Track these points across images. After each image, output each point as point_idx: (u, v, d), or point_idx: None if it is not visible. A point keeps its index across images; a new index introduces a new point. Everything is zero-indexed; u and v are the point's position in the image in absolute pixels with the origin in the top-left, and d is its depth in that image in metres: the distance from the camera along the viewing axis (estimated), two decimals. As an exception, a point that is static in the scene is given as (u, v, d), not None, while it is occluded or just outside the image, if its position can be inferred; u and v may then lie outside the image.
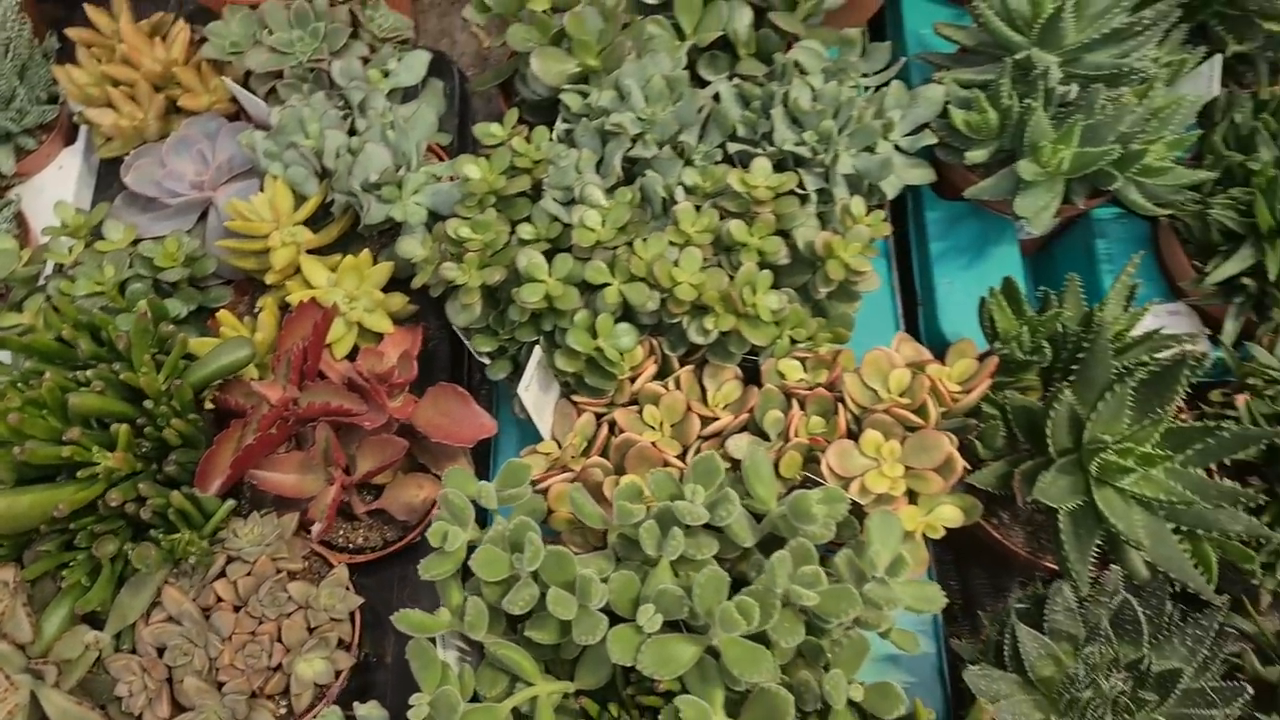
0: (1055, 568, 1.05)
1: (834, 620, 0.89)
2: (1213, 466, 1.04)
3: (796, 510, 0.92)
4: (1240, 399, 1.03)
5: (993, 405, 1.01)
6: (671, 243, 1.07)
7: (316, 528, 1.04)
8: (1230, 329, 1.14)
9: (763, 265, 1.09)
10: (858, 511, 0.97)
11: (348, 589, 1.05)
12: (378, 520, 1.16)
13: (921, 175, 1.22)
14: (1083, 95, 1.13)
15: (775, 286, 1.11)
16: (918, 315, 1.30)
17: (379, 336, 1.17)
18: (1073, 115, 1.11)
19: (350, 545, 1.15)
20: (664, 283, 1.04)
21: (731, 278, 1.06)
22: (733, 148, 1.17)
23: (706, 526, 0.97)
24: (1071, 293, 1.06)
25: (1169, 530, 0.96)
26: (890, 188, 1.16)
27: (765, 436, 1.05)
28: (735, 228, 1.08)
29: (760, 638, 0.90)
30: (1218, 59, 1.18)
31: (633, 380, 1.09)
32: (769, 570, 0.89)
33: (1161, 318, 1.23)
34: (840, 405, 1.03)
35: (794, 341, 1.10)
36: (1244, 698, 0.88)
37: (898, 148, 1.20)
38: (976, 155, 1.16)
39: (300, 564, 1.06)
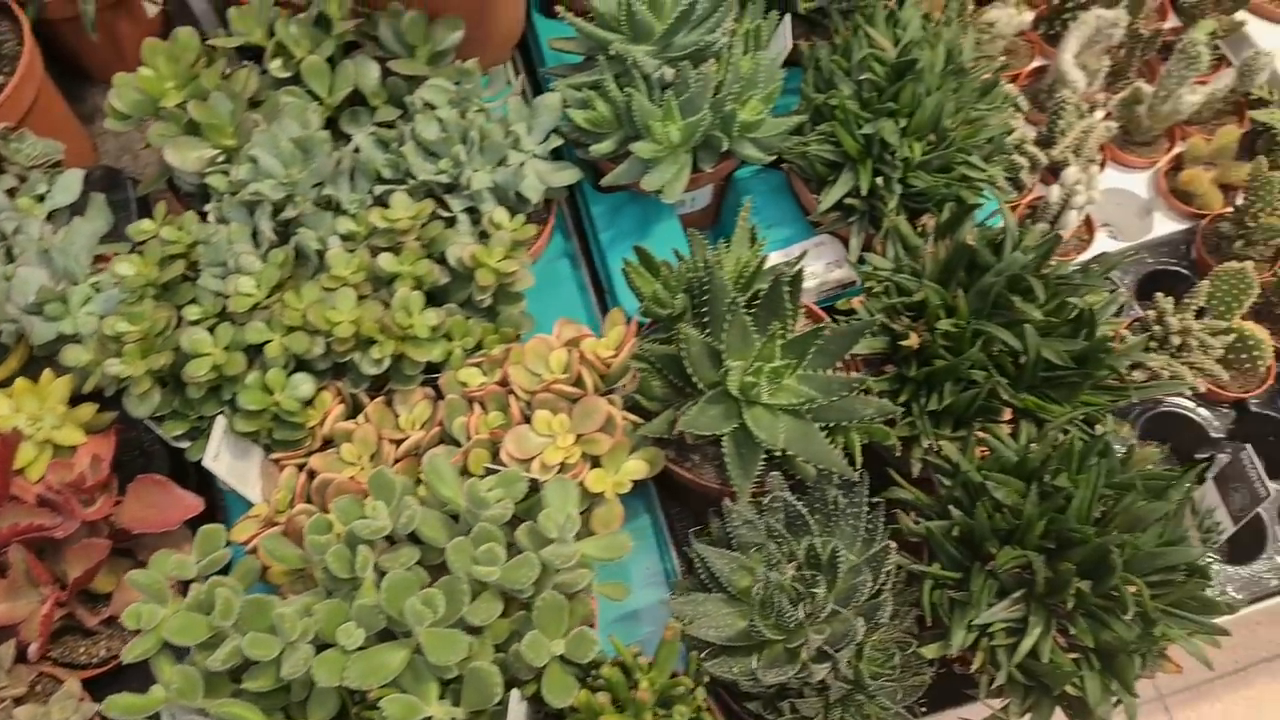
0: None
1: (522, 589, 0.96)
2: (846, 365, 1.17)
3: (472, 499, 0.99)
4: (857, 301, 1.17)
5: (641, 359, 1.11)
6: (327, 288, 1.14)
7: (32, 648, 1.04)
8: (854, 245, 1.29)
9: (425, 289, 1.17)
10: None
11: (81, 700, 1.05)
12: (119, 629, 1.16)
13: (568, 176, 1.33)
14: (677, 75, 1.26)
15: (443, 303, 1.18)
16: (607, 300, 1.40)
17: (73, 449, 1.18)
18: (670, 94, 1.24)
19: (94, 659, 1.15)
20: (322, 326, 1.10)
21: (388, 306, 1.13)
22: (381, 190, 1.24)
23: (411, 538, 1.03)
24: (697, 246, 1.17)
25: (817, 429, 1.08)
26: (532, 192, 1.26)
27: (458, 443, 1.12)
28: (385, 260, 1.15)
29: (465, 624, 0.96)
30: (787, 17, 1.34)
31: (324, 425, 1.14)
32: (448, 557, 0.95)
33: (811, 250, 1.37)
34: (511, 396, 1.10)
35: (470, 351, 1.17)
36: (889, 553, 0.99)
37: (538, 156, 1.30)
38: (602, 147, 1.27)
39: (24, 688, 1.05)
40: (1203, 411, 1.36)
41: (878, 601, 1.00)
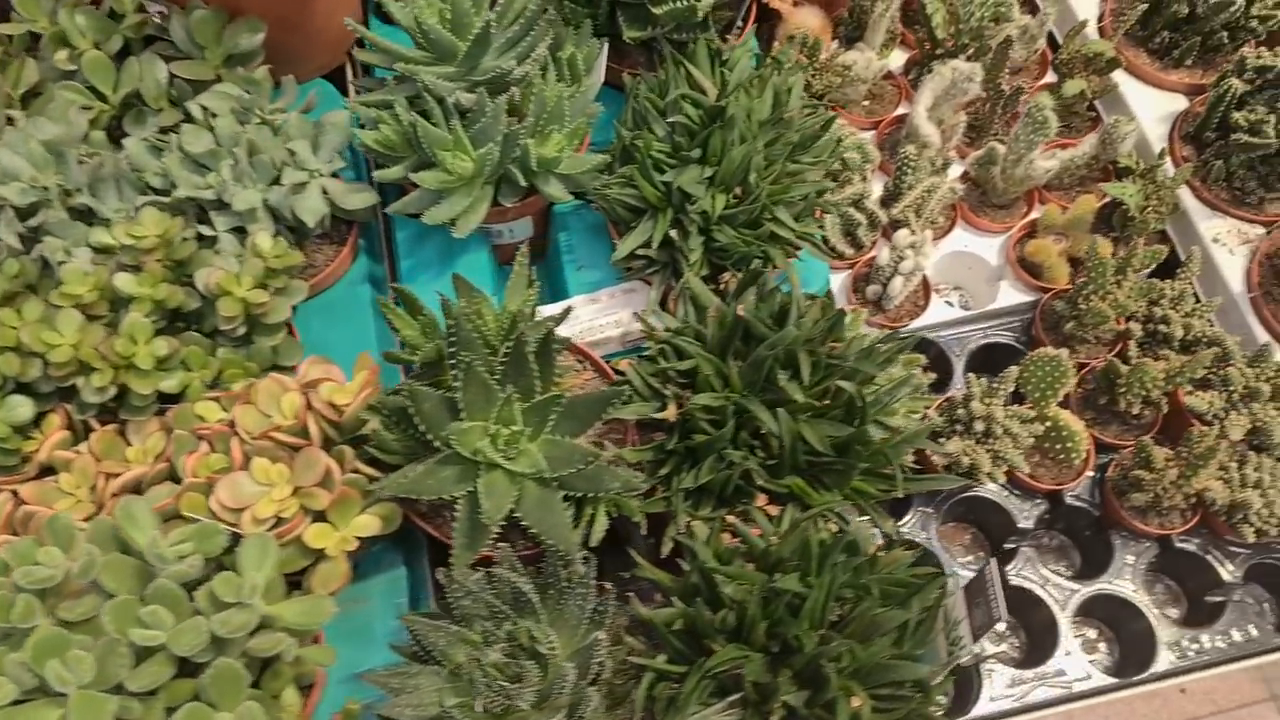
0: (491, 554, 1.08)
1: (192, 654, 0.89)
2: (625, 430, 1.10)
3: (153, 553, 0.92)
4: (626, 364, 1.09)
5: (373, 410, 1.03)
6: (55, 305, 1.06)
7: None
8: (652, 297, 1.21)
9: (172, 314, 1.09)
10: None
11: None
12: None
13: (363, 199, 1.25)
14: (476, 103, 1.18)
15: (198, 330, 1.11)
16: (407, 332, 1.33)
17: None
18: (461, 123, 1.17)
19: None
20: (37, 348, 1.02)
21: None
22: (144, 201, 1.16)
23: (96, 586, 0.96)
24: (462, 289, 1.09)
25: (559, 500, 1.01)
26: (310, 215, 1.19)
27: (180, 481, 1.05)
28: (122, 280, 1.07)
29: (125, 689, 0.89)
30: (604, 47, 1.26)
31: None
32: (103, 617, 0.88)
33: (621, 296, 1.30)
34: (235, 438, 1.03)
35: (210, 384, 1.10)
36: (600, 645, 0.93)
37: (326, 175, 1.22)
38: (390, 173, 1.19)
39: None
40: (1014, 500, 1.30)
41: (581, 695, 0.93)
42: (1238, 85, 1.34)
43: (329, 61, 1.48)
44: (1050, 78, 1.57)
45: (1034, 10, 1.66)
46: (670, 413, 1.05)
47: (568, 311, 1.10)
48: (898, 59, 1.61)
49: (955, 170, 1.50)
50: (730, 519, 1.02)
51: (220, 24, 1.24)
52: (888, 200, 1.46)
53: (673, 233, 1.17)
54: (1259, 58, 1.34)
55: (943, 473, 1.26)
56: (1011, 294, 1.44)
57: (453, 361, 1.03)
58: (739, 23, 1.46)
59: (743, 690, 0.94)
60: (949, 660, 0.98)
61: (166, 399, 1.09)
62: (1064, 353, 1.21)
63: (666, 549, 1.06)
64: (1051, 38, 1.63)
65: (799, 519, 1.01)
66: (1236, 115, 1.33)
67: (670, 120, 1.21)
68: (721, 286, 1.22)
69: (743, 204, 1.18)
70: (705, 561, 0.99)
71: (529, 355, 0.99)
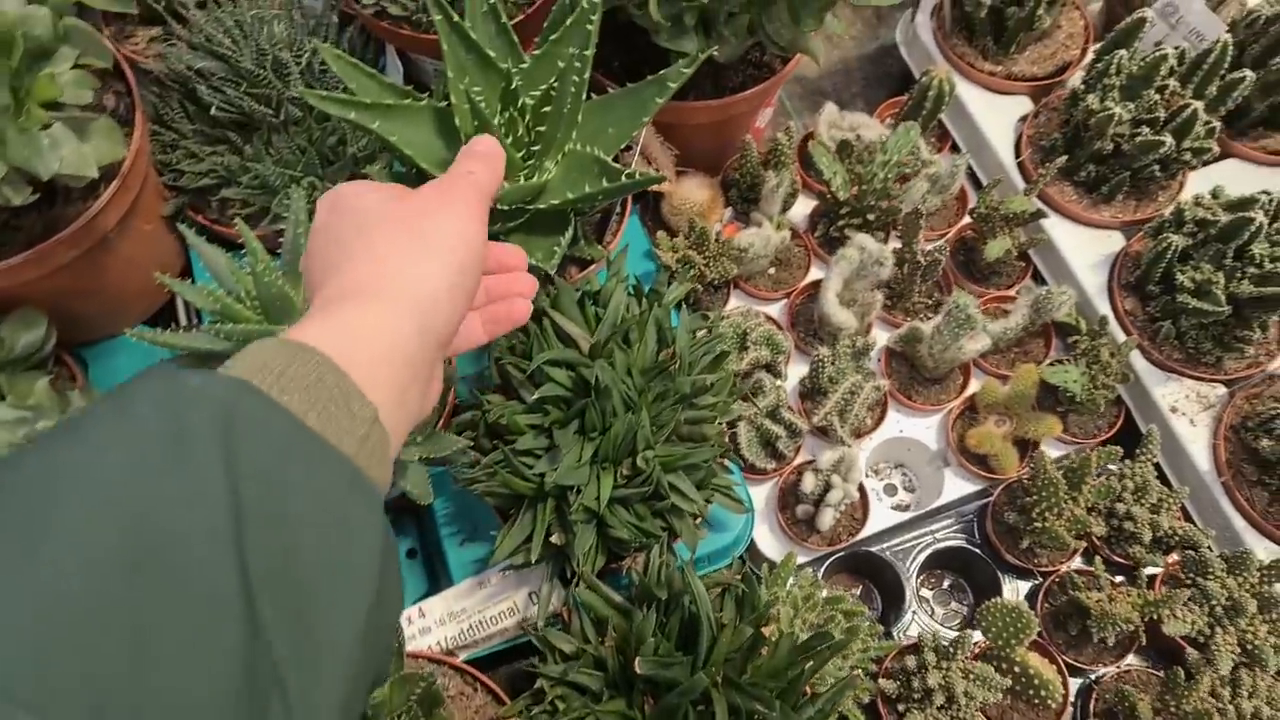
0: None
1: None
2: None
3: None
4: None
5: None
6: None
7: None
8: (543, 596, 1.03)
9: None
10: None
11: None
12: None
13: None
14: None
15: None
16: None
17: None
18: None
19: None
20: None
21: None
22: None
23: None
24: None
25: None
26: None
27: None
28: None
29: None
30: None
31: None
32: None
33: (511, 576, 1.11)
34: None
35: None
36: None
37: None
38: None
39: None
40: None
41: None
42: (1177, 241, 1.18)
43: (151, 306, 1.28)
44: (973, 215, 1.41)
45: (943, 133, 1.50)
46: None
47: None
48: (804, 206, 1.44)
49: (881, 336, 1.33)
50: None
51: (-14, 328, 1.04)
52: (806, 395, 1.29)
53: (554, 537, 0.99)
54: (1198, 205, 1.19)
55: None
56: (959, 484, 1.27)
57: None
58: (615, 215, 1.28)
59: None
60: None
61: None
62: (1023, 604, 1.05)
63: None
64: (972, 171, 1.47)
65: None
66: (1180, 275, 1.18)
67: (539, 395, 1.02)
68: (624, 572, 1.05)
69: (632, 483, 1.00)
70: None
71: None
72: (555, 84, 1.02)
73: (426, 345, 0.53)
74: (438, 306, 0.54)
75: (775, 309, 1.37)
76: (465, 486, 1.04)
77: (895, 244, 1.36)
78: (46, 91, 1.00)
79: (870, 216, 1.34)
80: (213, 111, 1.20)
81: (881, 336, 1.35)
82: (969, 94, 1.45)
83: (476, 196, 0.61)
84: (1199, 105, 1.20)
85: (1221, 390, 1.25)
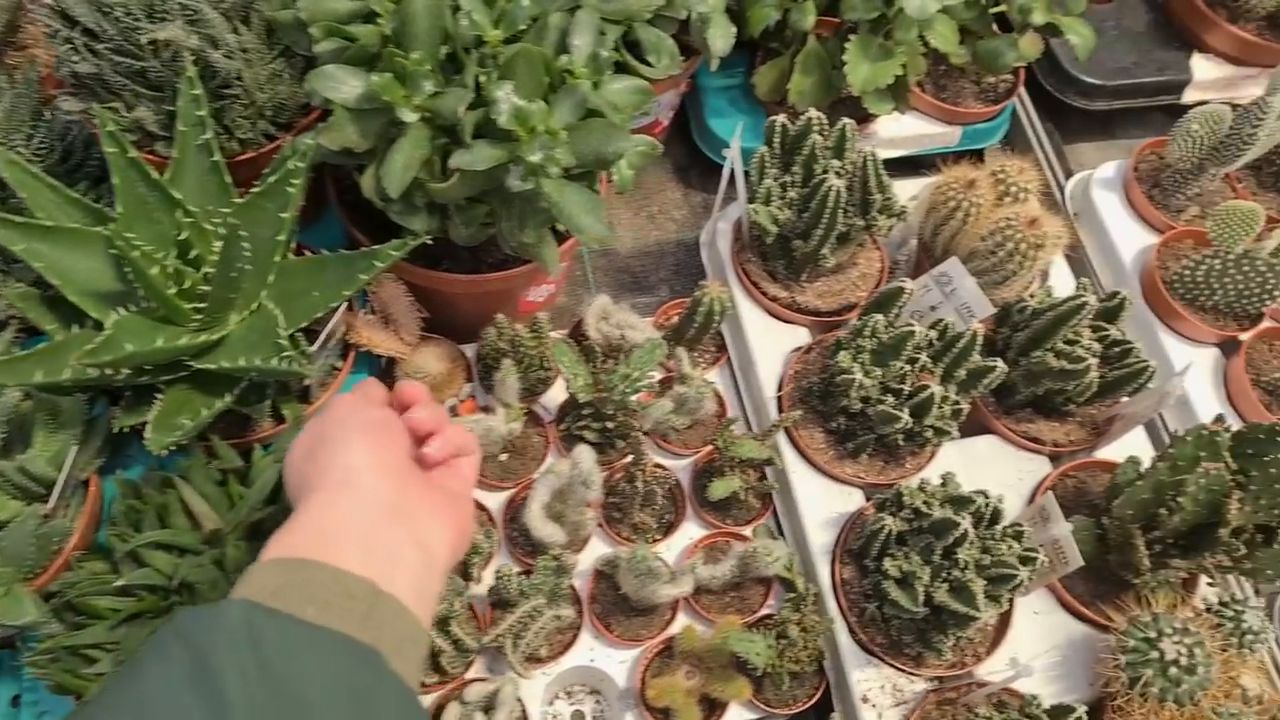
0: None
1: None
2: None
3: None
4: None
5: None
6: None
7: None
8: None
9: None
10: None
11: None
12: None
13: None
14: None
15: None
16: None
17: None
18: None
19: None
20: None
21: None
22: None
23: None
24: None
25: None
26: None
27: None
28: None
29: None
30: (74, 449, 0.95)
31: None
32: None
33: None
34: None
35: None
36: None
37: None
38: None
39: None
40: None
41: None
42: (891, 525, 1.13)
43: None
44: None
45: (722, 344, 1.45)
46: None
47: None
48: (560, 392, 1.36)
49: (588, 556, 1.25)
50: None
51: None
52: (499, 603, 1.19)
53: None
54: (921, 491, 1.15)
55: None
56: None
57: None
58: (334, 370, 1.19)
59: None
60: None
61: None
62: None
63: None
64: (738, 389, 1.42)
65: None
66: (888, 562, 1.12)
67: (128, 580, 0.90)
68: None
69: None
70: None
71: None
72: (243, 237, 0.94)
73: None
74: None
75: (496, 500, 1.28)
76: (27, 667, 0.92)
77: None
78: None
79: (610, 425, 1.27)
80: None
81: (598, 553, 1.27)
82: (750, 314, 1.41)
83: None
84: (937, 391, 1.16)
85: (921, 687, 1.18)
